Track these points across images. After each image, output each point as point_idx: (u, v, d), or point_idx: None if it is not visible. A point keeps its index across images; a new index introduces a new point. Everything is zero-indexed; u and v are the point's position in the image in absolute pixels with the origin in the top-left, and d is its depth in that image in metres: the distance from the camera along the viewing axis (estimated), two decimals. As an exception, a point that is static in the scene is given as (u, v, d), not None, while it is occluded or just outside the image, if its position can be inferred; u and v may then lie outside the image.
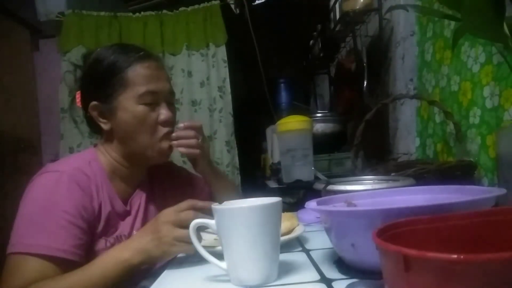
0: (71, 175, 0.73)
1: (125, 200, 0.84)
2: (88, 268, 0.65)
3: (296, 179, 1.01)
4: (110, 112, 0.79)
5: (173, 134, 0.84)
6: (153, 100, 0.79)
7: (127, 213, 0.84)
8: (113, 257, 0.65)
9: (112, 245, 0.76)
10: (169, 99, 0.83)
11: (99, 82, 0.80)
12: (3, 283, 0.64)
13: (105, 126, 0.81)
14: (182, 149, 0.85)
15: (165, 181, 0.96)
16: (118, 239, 0.79)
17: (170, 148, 0.83)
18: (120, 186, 0.83)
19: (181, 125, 0.86)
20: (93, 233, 0.74)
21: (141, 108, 0.78)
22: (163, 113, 0.80)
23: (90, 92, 0.81)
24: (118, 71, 0.78)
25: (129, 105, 0.78)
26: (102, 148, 0.84)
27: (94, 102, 0.80)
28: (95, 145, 0.87)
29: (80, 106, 0.85)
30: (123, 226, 0.82)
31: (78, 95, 0.86)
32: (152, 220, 0.67)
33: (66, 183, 0.72)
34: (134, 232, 0.81)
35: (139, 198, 0.87)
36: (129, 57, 0.80)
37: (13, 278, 0.64)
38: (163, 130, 0.81)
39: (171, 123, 0.83)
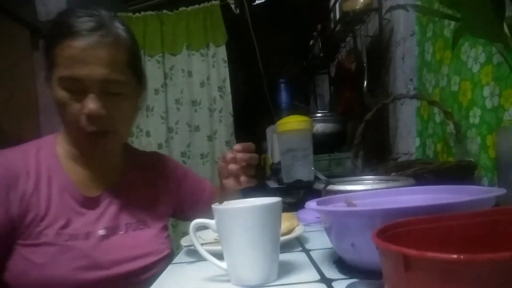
0: None
1: (91, 188, 0.76)
2: None
3: (296, 179, 1.01)
4: (50, 88, 0.70)
5: (230, 156, 0.79)
6: (77, 87, 0.66)
7: (93, 203, 0.75)
8: None
9: (66, 241, 0.68)
10: (105, 88, 0.68)
11: (43, 52, 0.70)
12: None
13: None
14: (244, 179, 0.80)
15: (158, 175, 0.89)
16: (74, 236, 0.69)
17: (93, 144, 0.71)
18: (79, 173, 0.75)
19: (237, 146, 0.79)
20: (22, 224, 0.68)
21: (62, 94, 0.67)
22: (88, 106, 0.66)
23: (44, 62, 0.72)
24: (50, 44, 0.67)
25: (54, 86, 0.68)
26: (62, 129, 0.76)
27: (45, 74, 0.71)
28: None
29: None
30: (84, 219, 0.72)
31: None
32: None
33: None
34: (100, 230, 0.72)
35: (113, 192, 0.78)
36: (62, 30, 0.66)
37: None
38: (86, 124, 0.68)
39: (97, 118, 0.68)
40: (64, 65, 0.65)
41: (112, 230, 0.74)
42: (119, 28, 0.71)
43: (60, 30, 0.66)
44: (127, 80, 0.72)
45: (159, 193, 0.87)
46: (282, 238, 0.61)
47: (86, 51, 0.65)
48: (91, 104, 0.66)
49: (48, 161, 0.73)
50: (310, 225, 0.82)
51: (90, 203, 0.74)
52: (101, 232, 0.73)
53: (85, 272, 0.68)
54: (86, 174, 0.76)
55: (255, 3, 2.30)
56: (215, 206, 0.51)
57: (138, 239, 0.77)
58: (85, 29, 0.65)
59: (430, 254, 0.23)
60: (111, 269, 0.70)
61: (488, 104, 0.83)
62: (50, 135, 0.80)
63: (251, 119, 2.58)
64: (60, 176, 0.73)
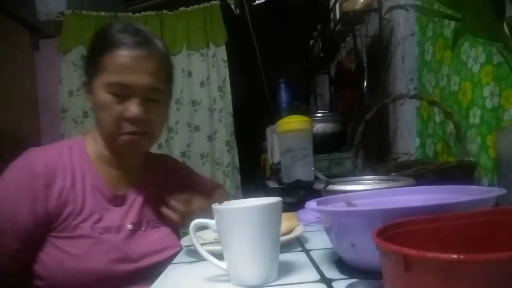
0: (28, 161, 0.74)
1: (118, 186, 0.81)
2: None
3: (296, 179, 1.01)
4: (90, 92, 0.78)
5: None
6: (123, 92, 0.73)
7: (120, 201, 0.80)
8: None
9: (100, 234, 0.74)
10: (147, 95, 0.76)
11: (87, 59, 0.79)
12: None
13: (90, 104, 0.80)
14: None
15: (170, 177, 0.95)
16: (107, 230, 0.75)
17: (131, 144, 0.77)
18: (108, 172, 0.81)
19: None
20: (59, 218, 0.72)
21: (107, 97, 0.73)
22: (131, 110, 0.74)
23: (84, 68, 0.80)
24: (98, 52, 0.75)
25: (98, 90, 0.74)
26: (94, 131, 0.82)
27: (84, 78, 0.79)
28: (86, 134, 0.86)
29: None
30: (113, 215, 0.78)
31: None
32: None
33: (25, 174, 0.72)
34: (128, 225, 0.78)
35: (136, 191, 0.84)
36: (112, 40, 0.74)
37: None
38: (126, 126, 0.75)
39: (138, 121, 0.75)
40: (114, 71, 0.73)
41: (137, 226, 0.80)
42: (159, 43, 0.79)
43: (110, 41, 0.74)
44: (165, 89, 0.81)
45: (171, 193, 0.91)
46: (282, 238, 0.61)
47: (136, 61, 0.73)
48: (135, 108, 0.74)
49: (80, 160, 0.78)
50: (310, 225, 0.82)
51: (117, 201, 0.80)
52: (129, 226, 0.79)
53: (117, 264, 0.73)
54: (114, 173, 0.82)
55: (255, 3, 2.30)
56: (215, 206, 0.51)
57: (157, 235, 0.83)
58: (135, 42, 0.74)
59: (430, 254, 0.23)
60: (139, 261, 0.76)
61: (488, 104, 0.83)
62: (77, 137, 0.85)
63: (251, 119, 2.58)
64: (92, 174, 0.78)
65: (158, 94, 0.78)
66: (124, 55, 0.73)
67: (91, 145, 0.82)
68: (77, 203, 0.74)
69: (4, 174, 0.73)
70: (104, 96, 0.74)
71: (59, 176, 0.74)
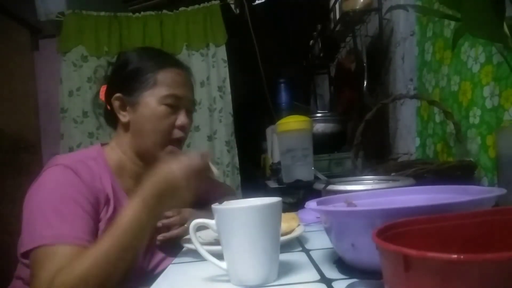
0: (75, 168, 0.75)
1: (132, 196, 0.84)
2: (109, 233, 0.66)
3: (296, 179, 1.01)
4: (131, 105, 0.82)
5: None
6: (175, 103, 0.83)
7: None
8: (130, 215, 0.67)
9: None
10: (189, 107, 0.88)
11: (129, 76, 0.83)
12: (36, 276, 0.64)
13: (123, 118, 0.83)
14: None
15: None
16: None
17: (176, 152, 0.85)
18: (128, 184, 0.84)
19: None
20: (97, 223, 0.75)
21: (162, 108, 0.82)
22: (181, 119, 0.84)
23: (117, 84, 0.85)
24: (150, 70, 0.83)
25: (151, 102, 0.81)
26: (114, 143, 0.86)
27: (118, 94, 0.83)
28: (102, 144, 0.88)
29: (104, 99, 0.89)
30: None
31: (102, 89, 0.89)
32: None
33: (72, 175, 0.73)
34: None
35: None
36: (164, 61, 0.86)
37: (46, 268, 0.64)
38: (176, 133, 0.85)
39: (185, 129, 0.86)
40: (170, 85, 0.83)
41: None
42: None
43: (162, 60, 0.86)
44: (195, 102, 0.95)
45: None
46: (282, 238, 0.61)
47: (184, 78, 0.87)
48: (184, 117, 0.85)
49: (105, 171, 0.81)
50: (310, 225, 0.82)
51: None
52: None
53: (132, 275, 0.73)
54: (131, 185, 0.84)
55: (255, 3, 2.30)
56: (215, 206, 0.51)
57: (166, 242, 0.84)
58: (180, 62, 0.89)
59: (430, 254, 0.23)
60: (155, 271, 0.81)
61: (488, 104, 0.83)
62: (95, 146, 0.86)
63: (251, 119, 2.58)
64: (114, 186, 0.81)
65: (193, 106, 0.91)
66: (177, 72, 0.85)
67: (112, 156, 0.84)
68: (107, 210, 0.77)
69: (45, 182, 0.73)
70: (159, 107, 0.82)
71: (96, 187, 0.77)
